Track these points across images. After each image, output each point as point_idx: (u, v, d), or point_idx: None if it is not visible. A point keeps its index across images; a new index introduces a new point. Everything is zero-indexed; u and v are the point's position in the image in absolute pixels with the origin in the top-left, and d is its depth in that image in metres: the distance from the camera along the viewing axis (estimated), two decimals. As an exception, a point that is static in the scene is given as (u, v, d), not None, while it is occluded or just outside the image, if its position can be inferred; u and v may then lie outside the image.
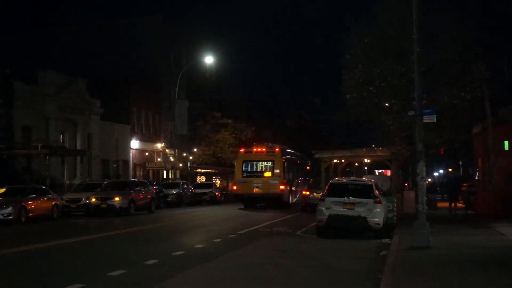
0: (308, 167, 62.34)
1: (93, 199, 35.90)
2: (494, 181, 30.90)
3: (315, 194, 38.60)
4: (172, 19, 70.63)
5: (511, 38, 31.31)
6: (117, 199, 35.67)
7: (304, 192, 44.03)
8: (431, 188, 61.92)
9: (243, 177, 44.49)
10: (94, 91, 51.73)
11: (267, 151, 43.80)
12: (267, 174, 43.63)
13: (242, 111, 79.74)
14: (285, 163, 45.35)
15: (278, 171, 43.81)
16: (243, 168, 43.36)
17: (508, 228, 23.03)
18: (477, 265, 14.29)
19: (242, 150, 47.46)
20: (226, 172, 66.39)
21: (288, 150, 50.09)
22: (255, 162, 43.72)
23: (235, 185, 45.84)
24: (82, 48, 64.68)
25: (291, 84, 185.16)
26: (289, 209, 42.81)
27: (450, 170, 75.97)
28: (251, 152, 44.32)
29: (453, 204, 34.18)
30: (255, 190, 43.79)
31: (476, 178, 37.04)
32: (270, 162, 43.17)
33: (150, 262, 15.67)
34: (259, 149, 43.97)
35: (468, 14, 32.13)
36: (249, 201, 44.91)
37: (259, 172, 44.32)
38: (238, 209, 43.51)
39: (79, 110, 49.68)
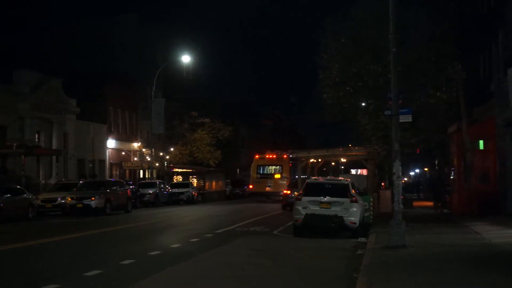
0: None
1: (69, 199, 35.64)
2: (470, 181, 31.17)
3: (295, 193, 38.74)
4: (148, 18, 70.25)
5: (486, 38, 31.58)
6: (93, 198, 35.42)
7: (284, 191, 44.40)
8: (407, 187, 62.41)
9: (257, 178, 54.20)
10: (70, 90, 51.29)
11: (277, 157, 52.64)
12: (277, 176, 51.82)
13: (219, 111, 79.67)
14: (291, 167, 54.35)
15: (286, 174, 53.06)
16: (258, 171, 52.66)
17: (482, 227, 23.23)
18: (452, 264, 14.39)
19: (257, 156, 56.96)
20: (203, 171, 66.34)
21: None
22: (267, 166, 53.35)
23: (251, 185, 55.54)
24: (58, 47, 64.17)
25: (269, 84, 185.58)
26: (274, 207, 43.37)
27: (426, 169, 76.39)
28: (264, 158, 54.18)
29: (439, 204, 33.82)
30: (267, 188, 52.90)
31: (452, 177, 37.31)
32: (279, 166, 51.92)
33: (126, 262, 15.59)
34: (271, 156, 53.36)
35: (443, 15, 32.42)
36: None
37: (270, 174, 53.62)
38: (216, 208, 43.49)
39: (55, 109, 49.28)
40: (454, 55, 28.75)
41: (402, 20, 22.09)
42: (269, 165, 53.24)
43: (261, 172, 53.97)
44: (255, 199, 55.88)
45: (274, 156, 53.23)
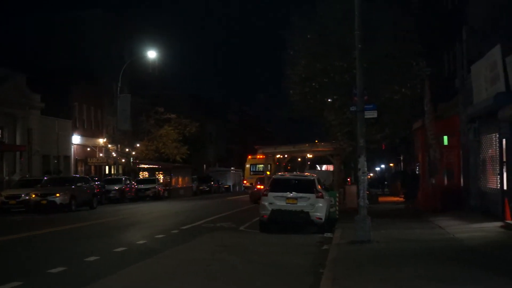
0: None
1: (33, 195, 35.29)
2: (434, 176, 31.50)
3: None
4: (115, 14, 69.57)
5: (450, 35, 31.91)
6: (58, 195, 35.13)
7: (258, 187, 44.97)
8: (373, 182, 62.90)
9: (251, 175, 60.75)
10: (35, 85, 50.67)
11: (266, 157, 54.77)
12: (268, 173, 52.90)
13: (186, 107, 79.40)
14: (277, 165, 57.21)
15: (273, 171, 56.02)
16: (251, 169, 57.99)
17: (446, 221, 23.50)
18: (417, 258, 14.53)
19: (250, 156, 65.26)
20: (169, 167, 66.13)
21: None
22: (258, 165, 58.42)
23: (245, 181, 62.25)
24: (22, 42, 63.39)
25: (237, 80, 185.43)
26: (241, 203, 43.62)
27: (391, 165, 76.99)
28: (255, 158, 59.47)
29: (410, 201, 32.53)
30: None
31: (417, 173, 37.66)
32: (268, 164, 54.02)
33: (91, 258, 15.48)
34: (262, 156, 56.11)
35: (409, 12, 32.69)
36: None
37: (261, 171, 57.80)
38: (182, 204, 43.39)
39: (19, 104, 48.63)
40: (419, 52, 29.00)
41: (367, 17, 22.20)
42: (259, 164, 58.34)
43: (254, 170, 60.51)
44: (224, 195, 56.44)
45: (264, 156, 57.21)
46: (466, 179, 28.99)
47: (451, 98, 31.09)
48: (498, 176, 22.90)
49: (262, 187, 42.93)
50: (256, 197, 42.64)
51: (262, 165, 59.26)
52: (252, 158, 64.73)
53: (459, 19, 29.53)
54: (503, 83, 20.98)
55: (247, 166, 65.58)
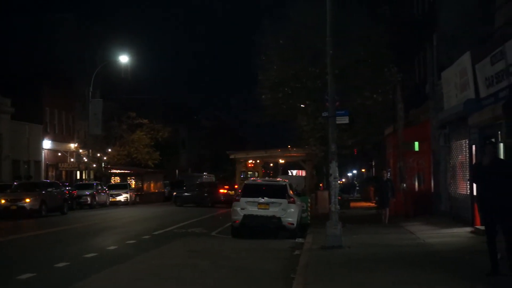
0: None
1: (3, 201, 34.86)
2: (405, 181, 31.70)
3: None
4: (87, 18, 69.29)
5: (421, 41, 32.18)
6: (27, 200, 34.74)
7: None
8: (345, 188, 63.16)
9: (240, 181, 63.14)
10: (5, 90, 50.11)
11: (254, 165, 56.83)
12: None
13: (158, 112, 79.04)
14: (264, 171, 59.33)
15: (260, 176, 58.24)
16: (241, 175, 56.72)
17: (417, 227, 23.67)
18: (387, 263, 14.59)
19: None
20: (141, 172, 65.78)
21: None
22: (247, 172, 58.04)
23: (236, 185, 59.99)
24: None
25: (210, 85, 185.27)
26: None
27: (363, 170, 77.42)
28: (246, 165, 59.37)
29: (385, 212, 27.01)
30: None
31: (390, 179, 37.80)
32: (256, 172, 55.60)
33: (61, 264, 15.32)
34: (251, 164, 58.35)
35: (380, 18, 32.90)
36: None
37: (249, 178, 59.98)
38: (154, 210, 43.20)
39: (-12, 109, 48.09)
40: (390, 57, 29.22)
41: (339, 22, 22.30)
42: (248, 171, 59.04)
43: (242, 177, 60.93)
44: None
45: (253, 164, 60.23)
46: (437, 184, 29.22)
47: (422, 104, 31.33)
48: (468, 182, 23.09)
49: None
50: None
51: (250, 172, 60.74)
52: (243, 166, 67.45)
53: (430, 26, 29.78)
54: (473, 89, 21.18)
55: (237, 173, 67.78)
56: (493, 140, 14.27)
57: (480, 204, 12.85)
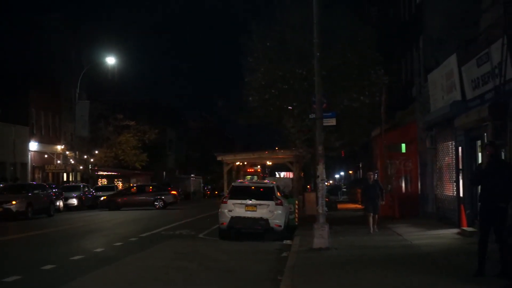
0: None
1: (-11, 203, 34.62)
2: (392, 183, 31.81)
3: None
4: (74, 19, 68.99)
5: (407, 44, 32.31)
6: (14, 202, 34.54)
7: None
8: (332, 189, 63.27)
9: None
10: (-9, 91, 49.93)
11: (254, 170, 62.15)
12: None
13: (145, 113, 78.86)
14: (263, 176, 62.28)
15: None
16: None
17: (404, 228, 23.74)
18: (374, 265, 14.62)
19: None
20: (128, 174, 65.60)
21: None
22: (246, 176, 61.35)
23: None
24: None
25: (197, 86, 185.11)
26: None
27: (350, 172, 77.54)
28: (245, 170, 62.36)
29: (373, 218, 23.62)
30: None
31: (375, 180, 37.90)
32: (255, 176, 59.90)
33: (48, 267, 15.24)
34: (250, 170, 62.86)
35: (367, 20, 33.02)
36: None
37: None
38: (141, 211, 43.09)
39: (-26, 110, 47.85)
40: (377, 59, 29.30)
41: (326, 24, 22.35)
42: (248, 175, 61.76)
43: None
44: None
45: (252, 169, 63.73)
46: (423, 186, 29.33)
47: (409, 106, 31.44)
48: (455, 184, 23.21)
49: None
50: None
51: (249, 176, 62.53)
52: (234, 168, 69.90)
53: (417, 28, 29.92)
54: (459, 91, 21.30)
55: (225, 174, 70.10)
56: (493, 140, 14.17)
57: (480, 205, 12.79)
